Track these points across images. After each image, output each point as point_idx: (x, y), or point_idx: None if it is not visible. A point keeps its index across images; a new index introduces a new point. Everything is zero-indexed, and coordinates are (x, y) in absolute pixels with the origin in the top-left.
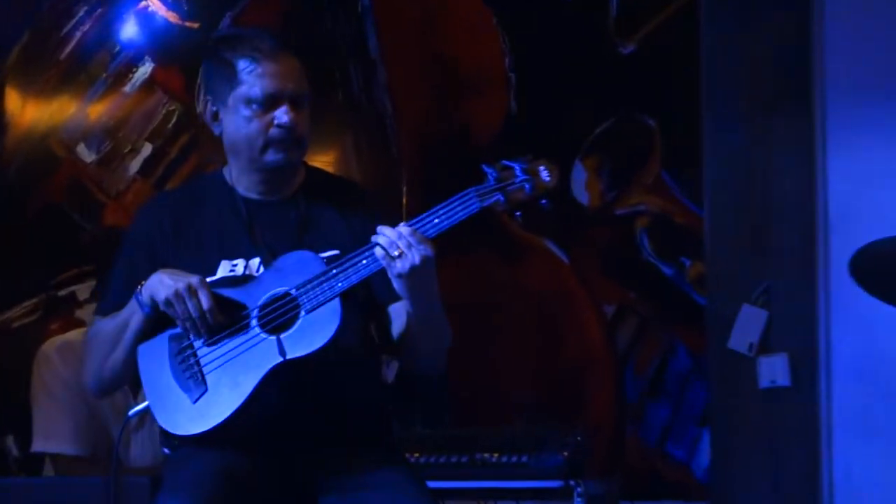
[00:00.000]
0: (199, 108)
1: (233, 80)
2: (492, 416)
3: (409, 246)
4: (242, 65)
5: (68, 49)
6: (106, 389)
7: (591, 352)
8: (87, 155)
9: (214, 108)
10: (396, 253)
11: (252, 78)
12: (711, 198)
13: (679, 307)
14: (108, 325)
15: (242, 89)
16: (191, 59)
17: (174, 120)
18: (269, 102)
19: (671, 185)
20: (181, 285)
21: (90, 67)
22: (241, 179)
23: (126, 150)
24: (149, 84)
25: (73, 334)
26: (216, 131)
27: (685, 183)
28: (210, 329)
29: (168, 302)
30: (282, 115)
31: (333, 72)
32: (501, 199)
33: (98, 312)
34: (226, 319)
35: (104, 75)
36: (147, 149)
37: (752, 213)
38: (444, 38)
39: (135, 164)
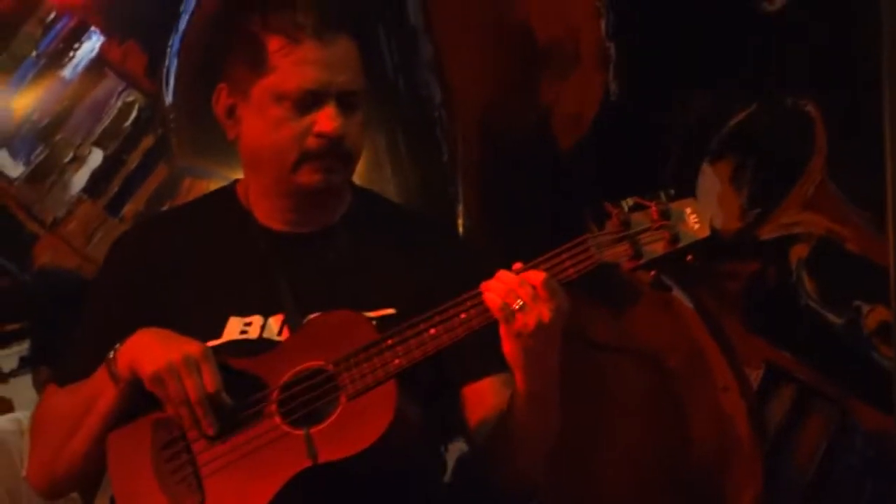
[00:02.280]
0: (214, 104)
1: (260, 63)
2: None
3: (535, 297)
4: (275, 44)
5: None
6: (58, 490)
7: (730, 436)
8: (10, 167)
9: (231, 101)
10: (518, 304)
11: (286, 64)
12: None
13: (854, 371)
14: (65, 401)
15: (272, 79)
16: (155, 29)
17: (133, 115)
18: (307, 101)
19: (841, 198)
20: (176, 356)
21: (14, 44)
22: (261, 202)
23: (67, 160)
24: (97, 66)
25: (2, 423)
26: (230, 134)
27: (861, 194)
28: (214, 421)
29: (157, 379)
30: (325, 119)
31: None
32: (629, 252)
33: (54, 381)
34: (235, 406)
35: (34, 54)
36: (96, 157)
37: None
38: None
39: (79, 179)
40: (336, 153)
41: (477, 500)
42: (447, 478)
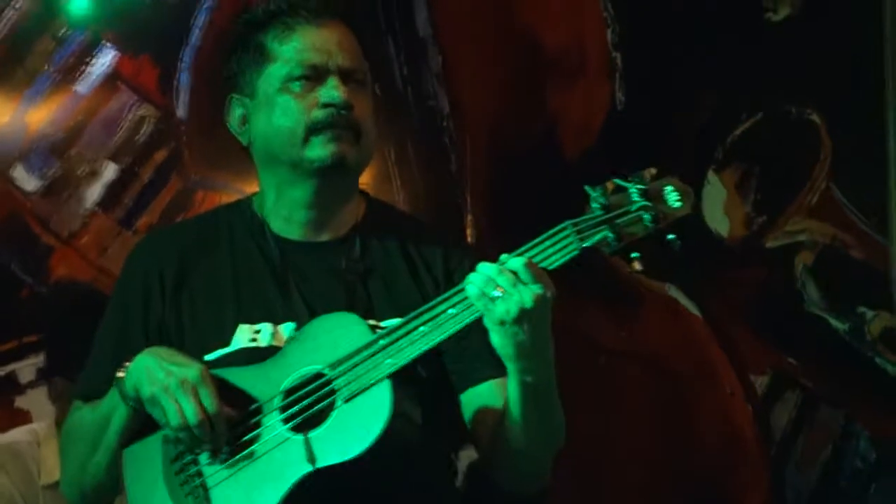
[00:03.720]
0: (225, 117)
1: (262, 58)
2: None
3: (516, 283)
4: (273, 36)
5: None
6: (91, 502)
7: (736, 441)
8: (26, 181)
9: (241, 111)
10: (497, 292)
11: (287, 49)
12: None
13: (858, 377)
14: (87, 418)
15: (275, 67)
16: (167, 43)
17: (146, 130)
18: (311, 77)
19: (844, 205)
20: (173, 381)
21: (28, 59)
22: (276, 211)
23: (81, 174)
24: (110, 80)
25: (18, 433)
26: (244, 141)
27: (864, 201)
28: (215, 440)
29: (154, 401)
30: (329, 90)
31: (367, 56)
32: (610, 235)
33: (77, 395)
34: (238, 419)
35: (48, 69)
36: (110, 171)
37: None
38: (522, 7)
39: (93, 193)
40: (344, 123)
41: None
42: (459, 484)
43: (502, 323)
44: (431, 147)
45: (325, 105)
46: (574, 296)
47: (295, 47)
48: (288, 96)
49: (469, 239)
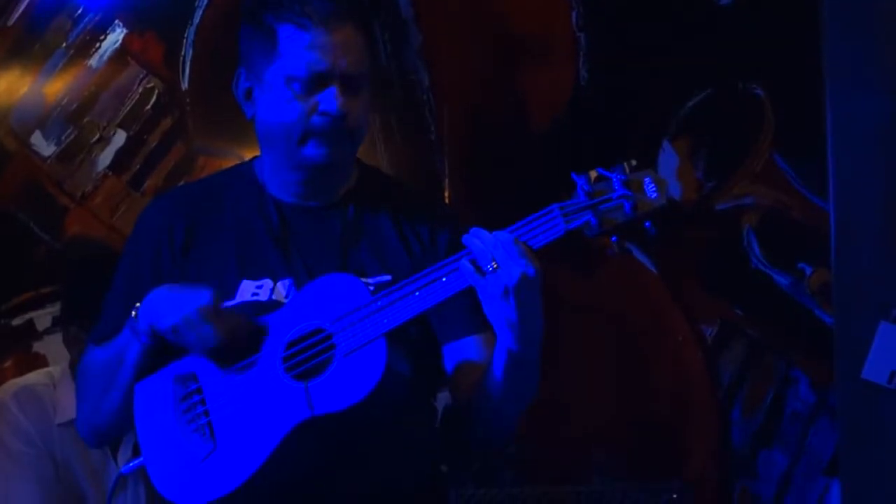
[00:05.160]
0: (233, 86)
1: (271, 50)
2: (563, 473)
3: (509, 258)
4: (285, 31)
5: (17, 13)
6: (104, 439)
7: (687, 387)
8: (44, 147)
9: (248, 84)
10: (492, 266)
11: (295, 50)
12: (839, 186)
13: (798, 327)
14: (100, 357)
15: (282, 63)
16: (172, 21)
17: (153, 100)
18: (314, 82)
19: (786, 172)
20: (190, 309)
21: (46, 36)
22: (274, 177)
23: (93, 140)
24: (120, 55)
25: (35, 376)
26: (248, 113)
27: (804, 168)
28: (225, 362)
29: (175, 331)
30: (329, 99)
31: (375, 51)
32: (593, 220)
33: (91, 339)
34: (242, 362)
35: (64, 45)
36: (120, 137)
37: (894, 205)
38: None
39: (105, 157)
40: (339, 130)
41: (460, 444)
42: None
43: (494, 296)
44: (413, 118)
45: (324, 113)
46: (540, 255)
47: (304, 51)
48: (291, 94)
49: (447, 199)
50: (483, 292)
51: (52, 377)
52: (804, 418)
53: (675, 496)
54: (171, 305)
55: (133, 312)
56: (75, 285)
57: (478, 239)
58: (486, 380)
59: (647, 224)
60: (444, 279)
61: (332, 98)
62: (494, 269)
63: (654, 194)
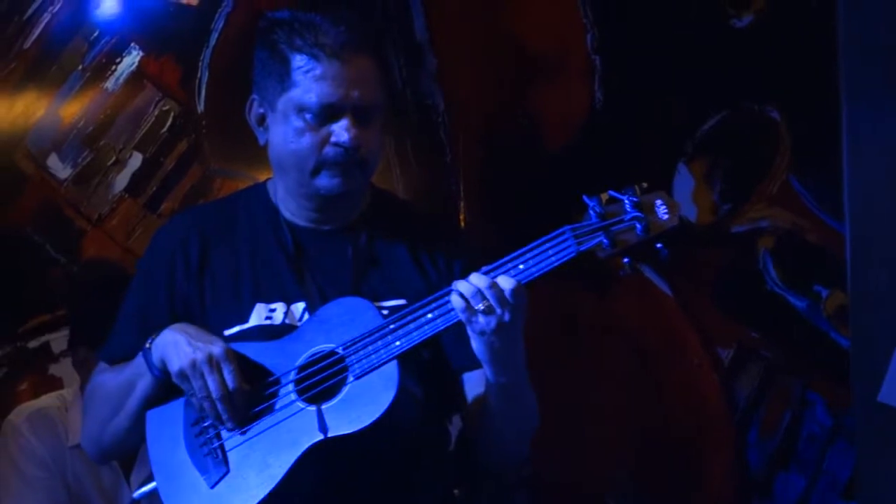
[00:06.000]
0: (246, 112)
1: (285, 78)
2: (577, 495)
3: (501, 299)
4: (298, 61)
5: (34, 36)
6: (106, 457)
7: (703, 409)
8: (60, 169)
9: (261, 111)
10: (482, 306)
11: (308, 80)
12: (855, 209)
13: (815, 350)
14: (111, 381)
15: (295, 93)
16: (188, 45)
17: (169, 123)
18: (326, 113)
19: (802, 194)
20: (200, 356)
21: (62, 59)
22: (287, 201)
23: (110, 163)
24: (137, 78)
25: (49, 399)
26: (261, 140)
27: (820, 190)
28: (233, 412)
29: (182, 375)
30: (341, 131)
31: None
32: (605, 241)
33: (102, 357)
34: (254, 391)
35: (80, 68)
36: (136, 160)
37: None
38: (509, 14)
39: (121, 180)
40: (352, 161)
41: (474, 468)
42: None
43: (482, 333)
44: (428, 141)
45: (336, 144)
46: (558, 277)
47: (316, 81)
48: (303, 124)
49: (462, 223)
50: (473, 330)
51: (64, 399)
52: (821, 441)
53: None
54: (182, 350)
55: (148, 344)
56: (84, 307)
57: (468, 280)
58: (485, 410)
59: (658, 245)
60: (429, 315)
61: (345, 129)
62: (486, 309)
63: (666, 216)
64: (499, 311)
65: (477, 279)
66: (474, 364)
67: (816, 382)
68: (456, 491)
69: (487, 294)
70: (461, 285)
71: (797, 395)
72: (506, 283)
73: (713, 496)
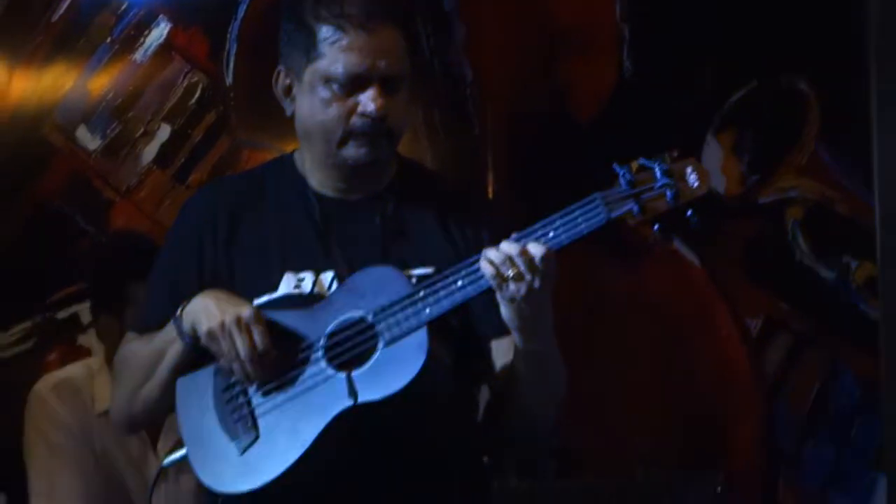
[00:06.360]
0: (273, 83)
1: (311, 49)
2: (605, 465)
3: (531, 265)
4: (324, 32)
5: (62, 8)
6: (136, 426)
7: (731, 380)
8: (89, 141)
9: (288, 82)
10: (511, 272)
11: (334, 51)
12: (884, 180)
13: (843, 321)
14: (141, 349)
15: (321, 64)
16: (216, 16)
17: (197, 94)
18: (353, 84)
19: (831, 165)
20: (229, 317)
21: (90, 31)
22: (314, 172)
23: (138, 134)
24: (165, 50)
25: (75, 369)
26: (287, 110)
27: (849, 161)
28: (262, 374)
29: (211, 336)
30: (368, 101)
31: (414, 50)
32: (636, 208)
33: (132, 328)
34: (283, 357)
35: (108, 40)
36: (164, 131)
37: None
38: None
39: (150, 151)
40: (379, 131)
41: (501, 437)
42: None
43: (512, 300)
44: (456, 112)
45: (363, 114)
46: (586, 249)
47: (343, 52)
48: (330, 95)
49: (490, 194)
50: (502, 297)
51: (90, 368)
52: (850, 413)
53: (719, 489)
54: (211, 312)
55: (179, 311)
56: (105, 275)
57: (502, 249)
58: (512, 377)
59: (689, 213)
60: (459, 282)
61: (371, 99)
62: (516, 275)
63: (696, 183)
64: (528, 277)
65: (507, 246)
66: (503, 331)
67: (845, 354)
68: (485, 458)
69: (517, 261)
70: (491, 252)
71: (826, 366)
72: (536, 249)
73: (742, 468)
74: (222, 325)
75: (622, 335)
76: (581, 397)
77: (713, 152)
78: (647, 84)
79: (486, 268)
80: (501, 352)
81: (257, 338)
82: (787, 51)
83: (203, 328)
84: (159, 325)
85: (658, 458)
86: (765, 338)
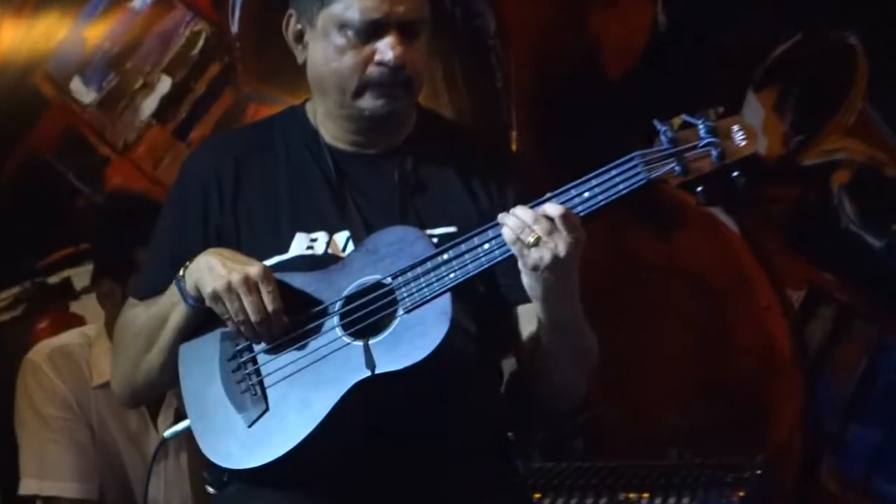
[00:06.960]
0: (283, 29)
1: None
2: (637, 444)
3: (552, 231)
4: None
5: None
6: (139, 399)
7: (771, 355)
8: (84, 94)
9: (299, 27)
10: (532, 239)
11: None
12: None
13: (892, 292)
14: (142, 315)
15: (336, 8)
16: None
17: (200, 45)
18: (369, 30)
19: (881, 126)
20: (236, 277)
21: None
22: (328, 124)
23: (137, 87)
24: None
25: (70, 336)
26: (299, 58)
27: None
28: (272, 337)
29: (216, 296)
30: (386, 49)
31: None
32: (678, 168)
33: (133, 294)
34: (296, 321)
35: None
36: (165, 84)
37: None
38: None
39: (149, 105)
40: (397, 81)
41: (526, 410)
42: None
43: (535, 268)
44: (478, 64)
45: (381, 63)
46: (618, 213)
47: None
48: (345, 42)
49: (514, 152)
50: (524, 264)
51: (87, 337)
52: None
53: (757, 472)
54: (216, 271)
55: (181, 271)
56: (107, 237)
57: (519, 215)
58: (538, 346)
59: (734, 174)
60: (486, 245)
61: (389, 47)
62: (536, 241)
63: (744, 142)
64: (550, 242)
65: (522, 211)
66: (526, 298)
67: (893, 327)
68: (510, 434)
69: (536, 227)
70: (508, 219)
71: (873, 341)
72: (553, 209)
73: (780, 449)
74: (228, 284)
75: (654, 307)
76: (610, 372)
77: (753, 111)
78: (683, 38)
79: (506, 233)
80: (528, 318)
81: (267, 298)
82: (833, 1)
83: (208, 289)
84: (161, 291)
85: (692, 438)
86: (807, 310)
